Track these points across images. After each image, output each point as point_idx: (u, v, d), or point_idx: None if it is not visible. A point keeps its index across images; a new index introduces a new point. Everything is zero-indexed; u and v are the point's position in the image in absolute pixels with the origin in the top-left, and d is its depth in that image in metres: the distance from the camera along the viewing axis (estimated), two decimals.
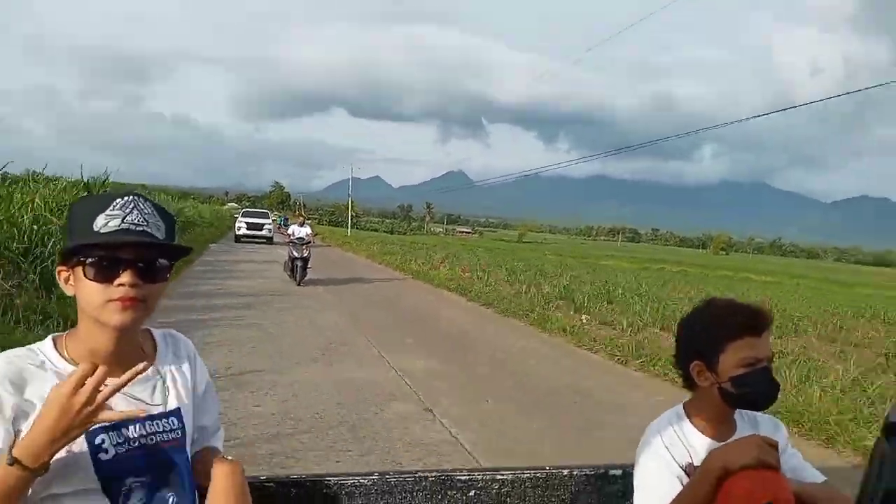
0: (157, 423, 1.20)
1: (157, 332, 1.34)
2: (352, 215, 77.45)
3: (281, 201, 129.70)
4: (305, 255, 14.32)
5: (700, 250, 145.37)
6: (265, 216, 35.21)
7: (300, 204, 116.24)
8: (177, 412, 1.25)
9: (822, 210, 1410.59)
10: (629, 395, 6.82)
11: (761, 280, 36.12)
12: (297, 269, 14.33)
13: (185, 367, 1.33)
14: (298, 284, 14.14)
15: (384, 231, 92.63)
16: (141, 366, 1.09)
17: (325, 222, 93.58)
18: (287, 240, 15.23)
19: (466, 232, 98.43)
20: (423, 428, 5.08)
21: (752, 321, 1.33)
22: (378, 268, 22.38)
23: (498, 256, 32.66)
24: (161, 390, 1.25)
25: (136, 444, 1.16)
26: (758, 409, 1.40)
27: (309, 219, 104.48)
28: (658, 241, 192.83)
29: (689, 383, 1.42)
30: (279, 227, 40.28)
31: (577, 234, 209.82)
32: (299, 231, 14.93)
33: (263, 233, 31.74)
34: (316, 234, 15.80)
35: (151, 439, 1.18)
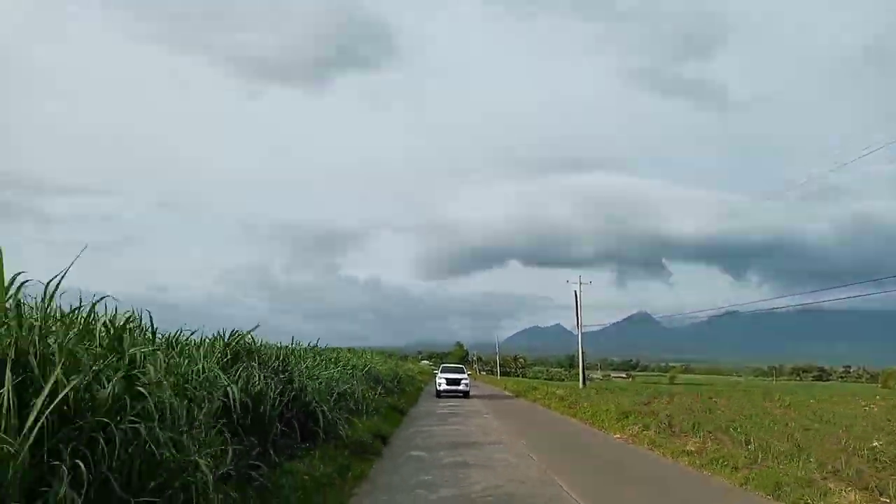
0: None
1: None
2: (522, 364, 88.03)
3: (461, 357, 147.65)
4: None
5: None
6: (461, 371, 35.17)
7: (476, 357, 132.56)
8: None
9: None
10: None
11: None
12: None
13: None
14: None
15: (544, 378, 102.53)
16: None
17: (497, 372, 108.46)
18: None
19: (621, 377, 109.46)
20: None
21: None
22: None
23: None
24: None
25: None
26: None
27: (484, 370, 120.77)
28: (848, 378, 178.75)
29: None
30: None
31: (759, 375, 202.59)
32: None
33: (461, 388, 31.73)
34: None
35: None
